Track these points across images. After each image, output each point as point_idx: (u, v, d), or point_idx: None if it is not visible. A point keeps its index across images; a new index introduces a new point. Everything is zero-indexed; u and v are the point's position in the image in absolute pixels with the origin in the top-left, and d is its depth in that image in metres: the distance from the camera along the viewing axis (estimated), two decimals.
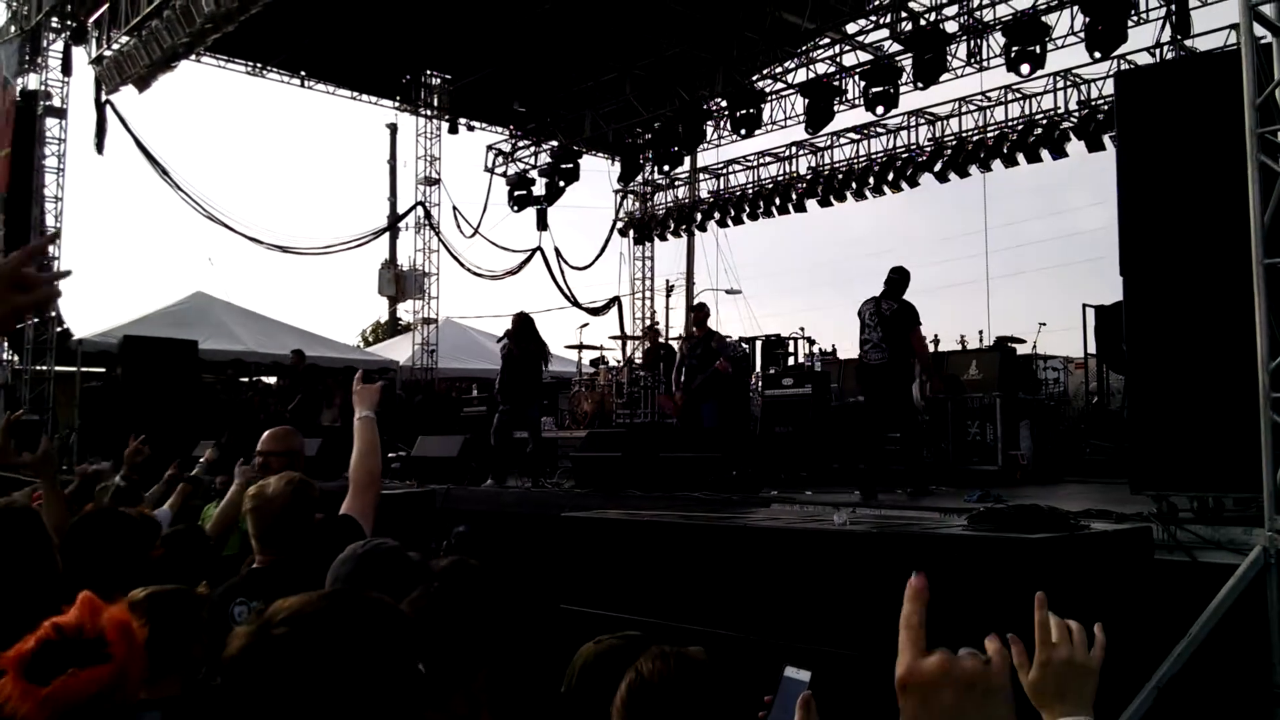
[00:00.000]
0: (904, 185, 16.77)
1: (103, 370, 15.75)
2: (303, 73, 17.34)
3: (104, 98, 14.52)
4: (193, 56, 13.85)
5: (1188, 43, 12.58)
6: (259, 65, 16.83)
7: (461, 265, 19.70)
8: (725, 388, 10.41)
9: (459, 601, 2.24)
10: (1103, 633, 1.44)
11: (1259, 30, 4.51)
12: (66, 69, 15.47)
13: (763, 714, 1.92)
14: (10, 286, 1.55)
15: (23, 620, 1.81)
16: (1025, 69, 12.85)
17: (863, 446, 8.50)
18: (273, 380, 18.47)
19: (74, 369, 15.61)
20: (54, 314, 14.98)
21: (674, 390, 10.51)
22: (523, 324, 10.43)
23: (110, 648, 1.70)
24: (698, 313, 10.94)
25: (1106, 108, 13.98)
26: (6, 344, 14.69)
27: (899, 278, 8.57)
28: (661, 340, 14.90)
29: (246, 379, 17.44)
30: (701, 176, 20.36)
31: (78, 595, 1.83)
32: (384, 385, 3.42)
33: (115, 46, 13.51)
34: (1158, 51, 12.73)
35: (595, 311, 20.61)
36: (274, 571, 2.83)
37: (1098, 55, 12.17)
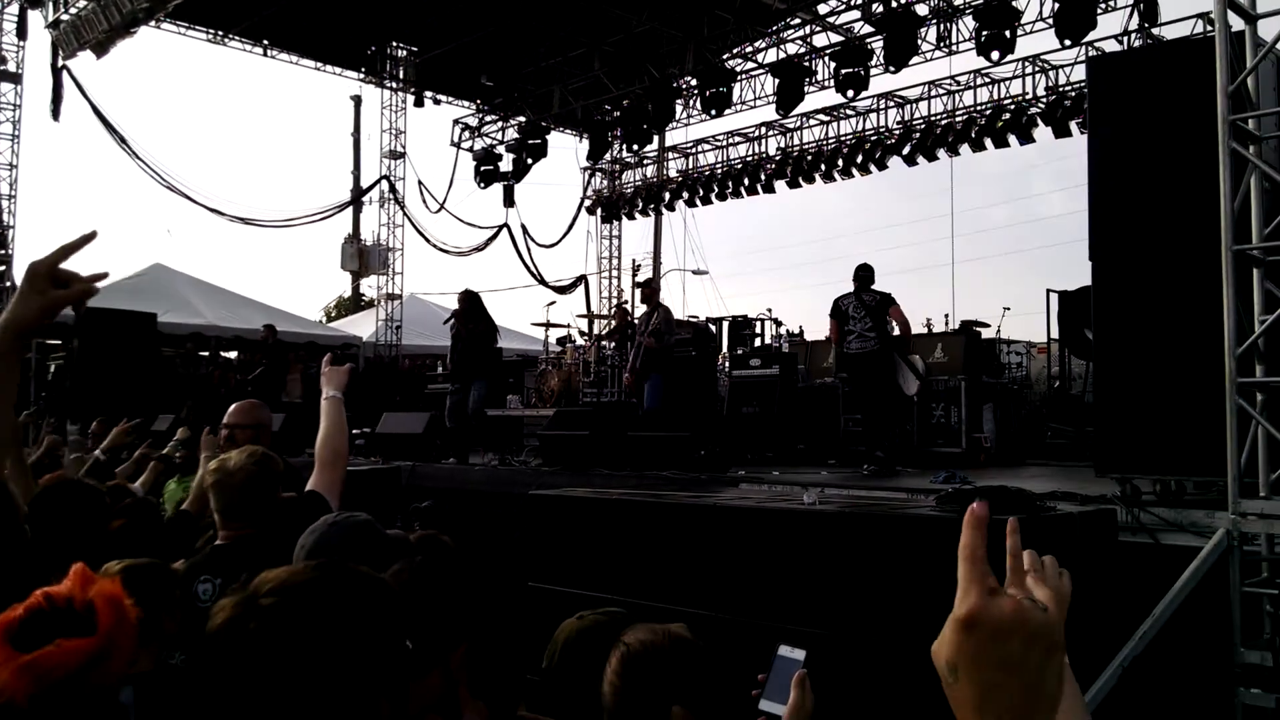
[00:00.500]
0: (872, 168, 16.83)
1: (59, 342, 15.46)
2: (265, 42, 17.05)
3: (61, 63, 14.19)
4: (152, 22, 13.57)
5: (1155, 31, 12.72)
6: (220, 33, 16.52)
7: (427, 241, 19.57)
8: (676, 366, 10.37)
9: (440, 576, 2.22)
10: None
11: (1232, 18, 4.54)
12: (22, 33, 15.11)
13: (756, 692, 1.92)
14: (49, 281, 1.60)
15: None
16: (994, 54, 12.90)
17: (875, 431, 8.83)
18: (233, 354, 18.25)
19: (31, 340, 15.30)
20: (9, 284, 14.69)
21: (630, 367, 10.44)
22: (469, 302, 10.34)
23: (99, 622, 1.67)
24: (645, 288, 10.88)
25: (1074, 94, 14.11)
26: None
27: (868, 273, 8.98)
28: (630, 319, 14.87)
29: (206, 353, 17.19)
30: (670, 155, 20.31)
31: (43, 569, 1.79)
32: (351, 368, 3.40)
33: (73, 10, 13.20)
34: (1125, 39, 12.86)
35: (562, 290, 20.55)
36: (239, 547, 2.78)
37: (1068, 41, 12.25)
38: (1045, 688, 0.87)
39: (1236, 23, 4.65)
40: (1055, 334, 12.18)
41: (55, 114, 14.54)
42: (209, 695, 1.14)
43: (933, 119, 16.08)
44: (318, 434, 3.25)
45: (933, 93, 16.10)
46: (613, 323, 14.42)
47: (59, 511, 2.76)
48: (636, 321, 10.36)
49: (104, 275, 1.73)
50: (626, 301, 16.34)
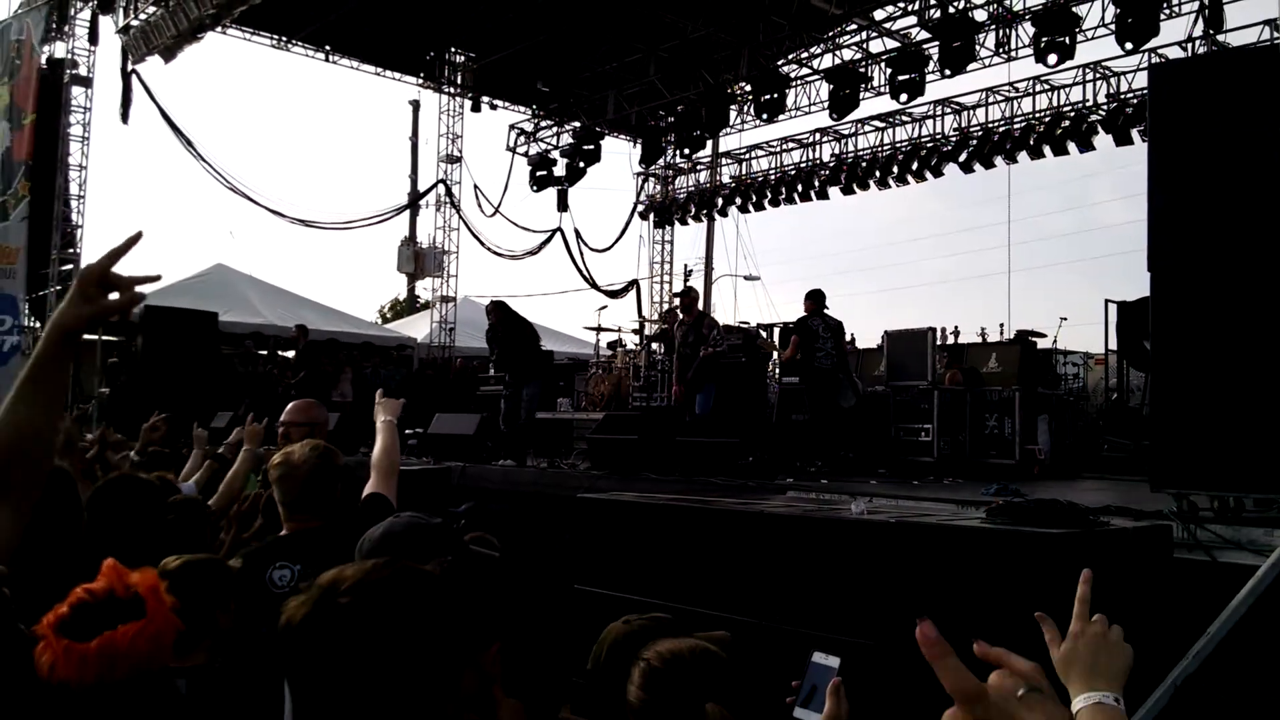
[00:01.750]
0: (928, 175, 16.66)
1: (122, 339, 15.85)
2: (327, 47, 17.36)
3: (130, 67, 14.57)
4: (219, 28, 13.87)
5: (1220, 38, 12.44)
6: (284, 38, 16.85)
7: (481, 244, 19.76)
8: (726, 373, 10.36)
9: (470, 575, 2.26)
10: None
11: None
12: (93, 38, 15.51)
13: (790, 699, 1.92)
14: (99, 288, 1.61)
15: (51, 581, 1.83)
16: (1053, 60, 12.71)
17: (831, 436, 9.67)
18: (291, 354, 18.58)
19: (95, 338, 15.72)
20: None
21: (678, 378, 10.46)
22: (498, 313, 10.51)
23: (147, 607, 1.73)
24: (684, 298, 10.85)
25: (1135, 101, 13.85)
26: (27, 308, 14.81)
27: (823, 297, 10.17)
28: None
29: (265, 351, 17.52)
30: (723, 161, 20.29)
31: (101, 562, 1.85)
32: (404, 401, 3.67)
33: (142, 16, 13.56)
34: (1189, 46, 12.60)
35: (613, 294, 20.60)
36: (309, 537, 2.85)
37: (1129, 47, 12.02)
38: None
39: None
40: (1114, 345, 11.98)
41: (124, 117, 14.93)
42: (290, 687, 1.20)
43: (990, 126, 15.90)
44: (375, 445, 3.37)
45: (990, 99, 15.92)
46: (663, 326, 14.45)
47: (117, 507, 2.84)
48: (675, 330, 10.36)
49: (156, 278, 1.74)
50: (676, 308, 16.35)
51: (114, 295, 1.63)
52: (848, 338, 13.64)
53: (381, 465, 3.26)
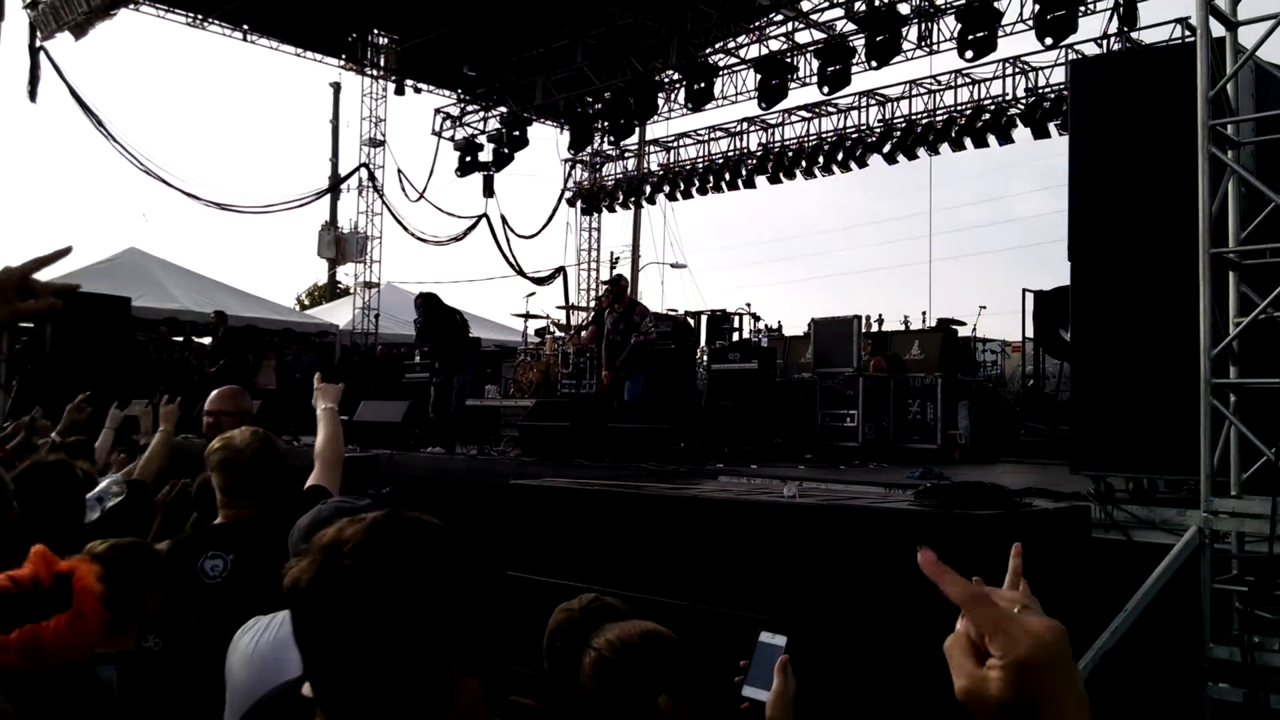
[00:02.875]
0: (853, 165, 16.91)
1: (30, 325, 15.28)
2: (245, 26, 16.90)
3: (39, 44, 14.01)
4: (132, 4, 13.43)
5: (1134, 35, 12.86)
6: (200, 17, 16.36)
7: (405, 229, 19.51)
8: (656, 360, 10.41)
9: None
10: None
11: (1213, 24, 4.61)
12: None
13: (738, 679, 1.95)
14: (16, 292, 1.60)
15: None
16: (974, 54, 12.99)
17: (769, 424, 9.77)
18: (208, 340, 18.12)
19: None
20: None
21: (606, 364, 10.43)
22: (427, 308, 10.46)
23: (69, 597, 1.68)
24: (614, 285, 10.85)
25: (1054, 95, 14.23)
26: None
27: None
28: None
29: (180, 338, 17.04)
30: (651, 149, 20.32)
31: (30, 549, 1.79)
32: (343, 386, 3.60)
33: None
34: (1105, 42, 13.00)
35: (540, 281, 20.53)
36: (246, 527, 2.79)
37: (1048, 42, 12.33)
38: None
39: (1217, 29, 4.71)
40: (1030, 333, 12.32)
41: (32, 95, 14.36)
42: (301, 648, 1.21)
43: (913, 118, 16.18)
44: (318, 435, 3.31)
45: (914, 91, 16.20)
46: (589, 317, 14.45)
47: (39, 493, 2.76)
48: (605, 316, 10.35)
49: (75, 288, 1.72)
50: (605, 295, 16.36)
51: (29, 301, 1.59)
52: (774, 324, 13.87)
53: (325, 456, 3.21)
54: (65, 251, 1.66)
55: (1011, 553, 1.49)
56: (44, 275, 1.65)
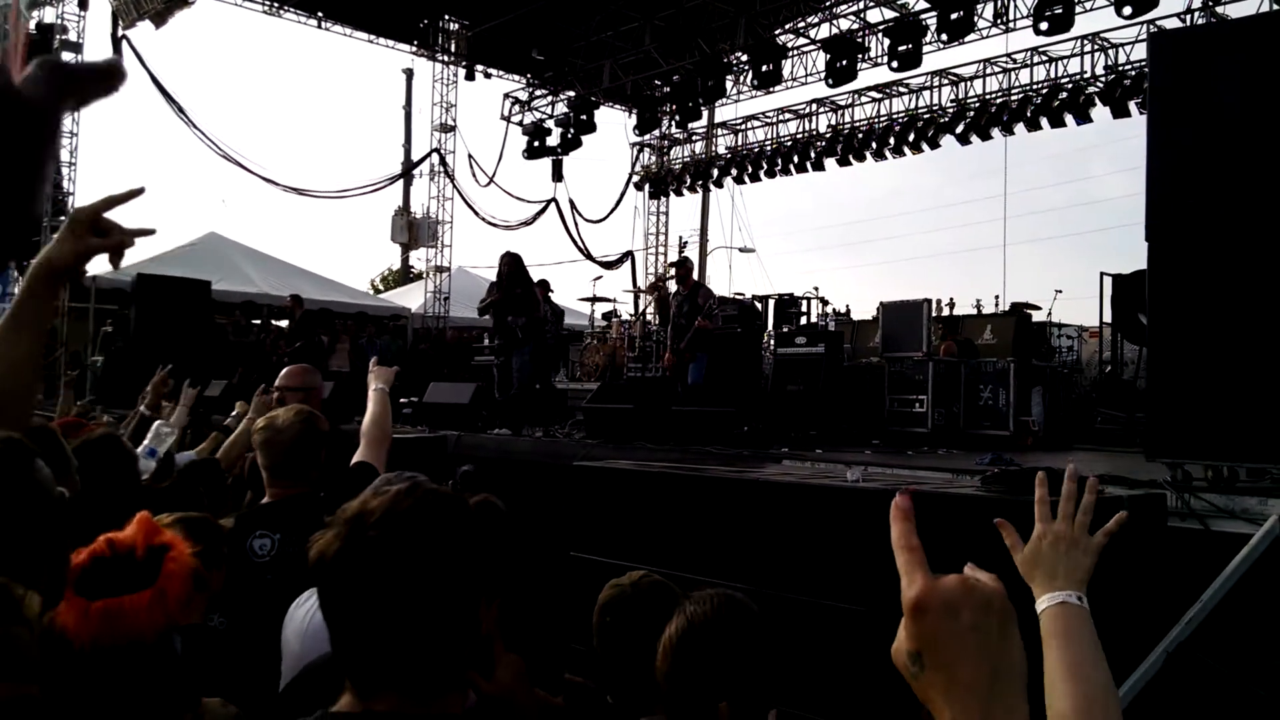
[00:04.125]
0: (925, 146, 16.61)
1: (115, 308, 15.79)
2: (320, 13, 17.18)
3: (120, 33, 14.41)
4: None
5: (1220, 8, 12.38)
6: (275, 5, 16.68)
7: (475, 214, 19.67)
8: (721, 343, 10.35)
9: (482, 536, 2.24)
10: (1116, 524, 1.43)
11: None
12: (83, 3, 15.35)
13: None
14: (89, 228, 1.60)
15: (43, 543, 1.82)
16: (1051, 30, 12.63)
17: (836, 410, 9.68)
18: (285, 323, 18.52)
19: (88, 305, 15.66)
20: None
21: (671, 347, 10.38)
22: (512, 264, 10.17)
23: (157, 573, 1.71)
24: (678, 268, 10.74)
25: (1134, 73, 13.80)
26: (18, 275, 14.72)
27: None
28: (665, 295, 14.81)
29: (258, 320, 17.46)
30: (719, 132, 20.20)
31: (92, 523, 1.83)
32: (398, 370, 3.64)
33: None
34: (1189, 16, 12.54)
35: (608, 265, 20.58)
36: (292, 505, 2.83)
37: (1128, 13, 11.90)
38: (1009, 657, 0.88)
39: None
40: (1108, 318, 11.99)
41: None
42: (329, 619, 1.23)
43: (988, 97, 15.83)
44: (366, 414, 3.34)
45: (988, 70, 15.84)
46: (654, 300, 14.42)
47: (90, 469, 2.82)
48: (670, 300, 10.29)
49: (151, 231, 1.73)
50: (665, 279, 16.30)
51: (101, 239, 1.61)
52: (841, 308, 13.70)
53: (371, 434, 3.24)
54: (139, 192, 1.69)
55: (1036, 482, 1.48)
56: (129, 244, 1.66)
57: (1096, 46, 14.56)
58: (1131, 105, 13.86)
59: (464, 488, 7.21)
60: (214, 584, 2.48)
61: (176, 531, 2.30)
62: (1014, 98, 15.46)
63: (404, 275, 31.36)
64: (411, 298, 21.83)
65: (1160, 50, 5.63)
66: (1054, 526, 1.41)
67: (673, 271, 10.78)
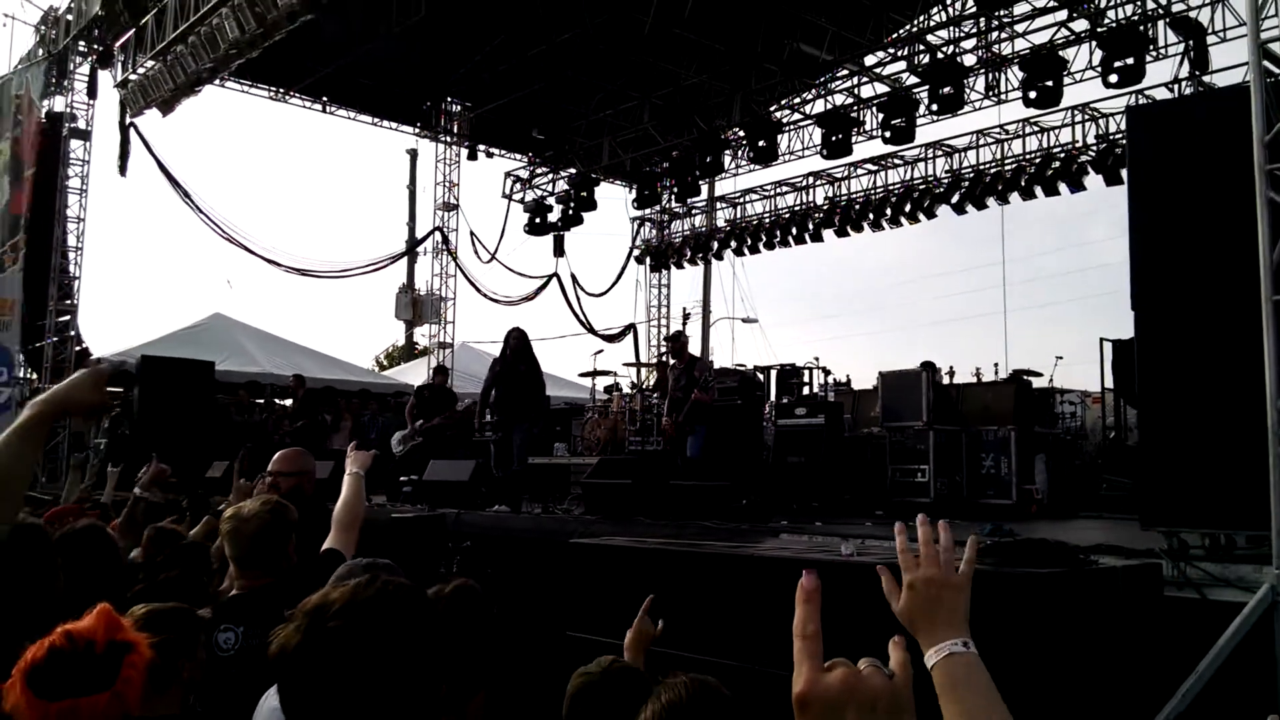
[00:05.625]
0: (921, 216, 16.81)
1: (120, 390, 15.90)
2: (325, 98, 17.58)
3: (128, 120, 14.76)
4: (216, 81, 14.06)
5: (1206, 79, 12.60)
6: (281, 91, 17.08)
7: (478, 291, 19.87)
8: (720, 416, 10.38)
9: (460, 623, 2.26)
10: (973, 549, 1.40)
11: (1269, 67, 4.53)
12: (92, 92, 15.75)
13: None
14: (104, 388, 1.98)
15: (22, 633, 1.84)
16: (1041, 103, 12.87)
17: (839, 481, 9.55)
18: (289, 402, 18.59)
19: None
20: (73, 333, 15.17)
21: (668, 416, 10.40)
22: (520, 341, 10.28)
23: (116, 671, 1.71)
24: (673, 342, 10.81)
25: (1125, 141, 14.00)
26: (21, 359, 14.87)
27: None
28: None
29: (261, 400, 17.54)
30: (718, 205, 20.47)
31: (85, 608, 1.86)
32: (376, 454, 3.68)
33: (140, 70, 13.75)
34: (1176, 87, 12.76)
35: (611, 338, 20.70)
36: (257, 597, 2.82)
37: (1114, 80, 12.15)
38: None
39: (1275, 71, 4.63)
40: (1110, 383, 12.00)
41: (122, 169, 15.10)
42: (288, 712, 1.23)
43: (981, 168, 16.07)
44: (339, 500, 3.37)
45: (981, 141, 16.11)
46: (654, 374, 14.50)
47: (73, 560, 2.84)
48: (669, 374, 10.36)
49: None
50: (666, 355, 16.43)
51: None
52: (842, 378, 13.74)
53: (340, 519, 3.27)
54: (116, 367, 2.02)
55: (918, 522, 1.46)
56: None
57: (1087, 116, 14.84)
58: (1123, 172, 14.03)
59: (462, 565, 7.18)
60: (188, 674, 2.48)
61: (147, 623, 2.31)
62: (1008, 167, 15.71)
63: (408, 352, 31.56)
64: (415, 374, 21.91)
65: (1139, 123, 5.77)
66: (921, 571, 1.39)
67: (668, 345, 10.85)
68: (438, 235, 20.27)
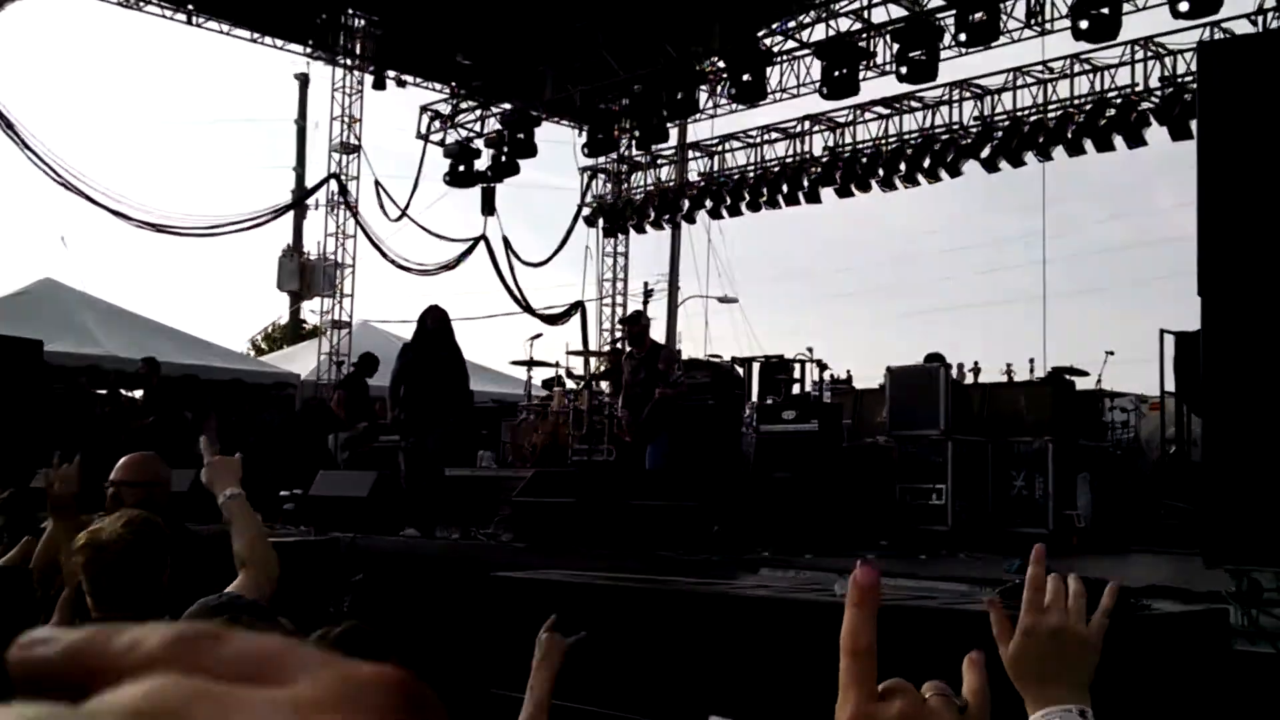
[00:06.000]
0: (943, 174, 16.94)
1: None
2: (189, 6, 17.32)
3: None
4: None
5: None
6: None
7: (384, 256, 19.76)
8: (689, 418, 10.43)
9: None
10: (1111, 598, 1.42)
11: None
12: None
13: None
14: None
15: None
16: (1094, 35, 13.02)
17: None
18: (138, 394, 18.36)
19: None
20: None
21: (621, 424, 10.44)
22: (441, 323, 10.29)
23: None
24: (630, 325, 10.83)
25: (1195, 85, 14.21)
26: None
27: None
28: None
29: (104, 390, 17.33)
30: (691, 154, 20.50)
31: None
32: (241, 457, 3.45)
33: None
34: (1261, 19, 12.96)
35: (552, 320, 20.68)
36: None
37: (1184, 9, 12.29)
38: None
39: None
40: (1172, 386, 12.18)
41: None
42: None
43: (1019, 114, 16.21)
44: (234, 536, 3.23)
45: (1019, 82, 16.24)
46: (606, 365, 14.51)
47: None
48: (624, 364, 10.38)
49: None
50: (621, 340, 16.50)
51: None
52: (841, 374, 13.84)
53: (248, 556, 3.16)
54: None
55: (1032, 559, 1.48)
56: None
57: (1150, 54, 15.00)
58: (1193, 125, 14.23)
59: (355, 604, 7.16)
60: None
61: None
62: (1051, 115, 15.85)
63: (293, 332, 31.36)
64: (301, 360, 21.79)
65: (1212, 62, 5.86)
66: (1047, 618, 1.41)
67: (624, 329, 10.86)
68: (333, 184, 20.11)
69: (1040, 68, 15.98)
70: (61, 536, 4.10)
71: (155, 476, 4.10)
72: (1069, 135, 15.56)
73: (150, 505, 3.69)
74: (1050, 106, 15.99)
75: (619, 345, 14.89)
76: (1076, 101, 15.75)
